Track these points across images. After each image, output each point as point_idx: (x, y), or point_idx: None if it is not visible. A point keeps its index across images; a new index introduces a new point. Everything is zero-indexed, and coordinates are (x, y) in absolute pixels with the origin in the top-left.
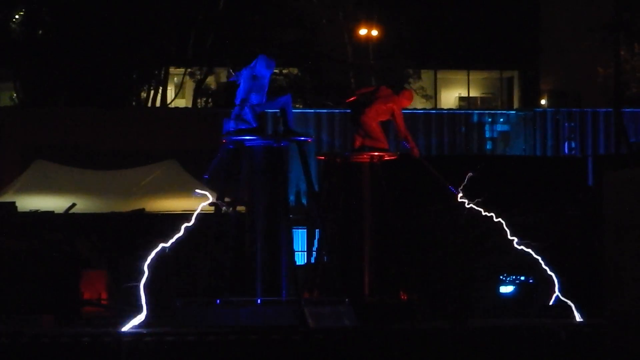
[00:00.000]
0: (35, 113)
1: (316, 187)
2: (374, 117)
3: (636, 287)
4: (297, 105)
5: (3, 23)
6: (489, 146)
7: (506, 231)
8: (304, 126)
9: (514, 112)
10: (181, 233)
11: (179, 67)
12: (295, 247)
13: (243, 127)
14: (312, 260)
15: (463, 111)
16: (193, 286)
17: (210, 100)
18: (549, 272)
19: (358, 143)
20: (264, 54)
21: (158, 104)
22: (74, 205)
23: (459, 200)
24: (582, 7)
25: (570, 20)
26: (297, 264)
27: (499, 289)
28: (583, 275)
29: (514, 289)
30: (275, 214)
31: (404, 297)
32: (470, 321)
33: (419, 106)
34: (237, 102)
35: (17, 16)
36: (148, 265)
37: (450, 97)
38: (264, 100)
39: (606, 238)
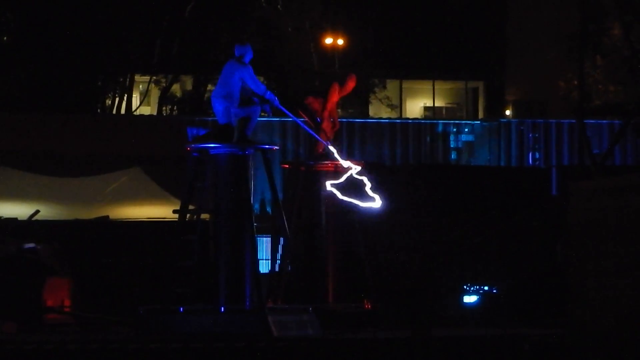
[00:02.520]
0: None
1: (281, 195)
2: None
3: (598, 297)
4: (262, 114)
5: None
6: (453, 156)
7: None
8: (269, 134)
9: (478, 122)
10: None
11: (145, 75)
12: (259, 255)
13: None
14: (277, 269)
15: (428, 121)
16: (156, 294)
17: (175, 108)
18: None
19: (320, 149)
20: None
21: (123, 111)
22: (37, 212)
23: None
24: (548, 19)
25: (535, 32)
26: (261, 272)
27: (462, 299)
28: (546, 284)
29: (478, 298)
30: (240, 221)
31: (367, 305)
32: (433, 330)
33: (384, 115)
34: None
35: None
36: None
37: (415, 106)
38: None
39: (569, 248)
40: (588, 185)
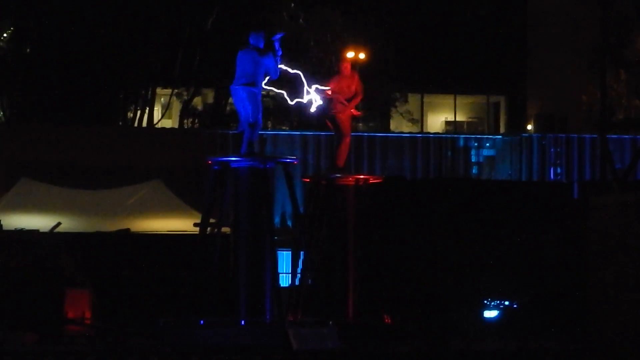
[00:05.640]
0: (22, 130)
1: (301, 209)
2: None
3: (618, 311)
4: (283, 127)
5: None
6: (475, 170)
7: None
8: (290, 148)
9: (500, 136)
10: None
11: (166, 88)
12: (279, 269)
13: None
14: (297, 282)
15: (449, 135)
16: (177, 306)
17: (196, 120)
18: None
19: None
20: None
21: (144, 124)
22: (59, 224)
23: None
24: (569, 33)
25: (557, 46)
26: (282, 285)
27: (483, 314)
28: (566, 299)
29: (498, 313)
30: (260, 235)
31: (387, 319)
32: (453, 344)
33: (406, 130)
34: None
35: (4, 34)
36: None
37: (436, 121)
38: None
39: (590, 263)
40: (608, 200)
